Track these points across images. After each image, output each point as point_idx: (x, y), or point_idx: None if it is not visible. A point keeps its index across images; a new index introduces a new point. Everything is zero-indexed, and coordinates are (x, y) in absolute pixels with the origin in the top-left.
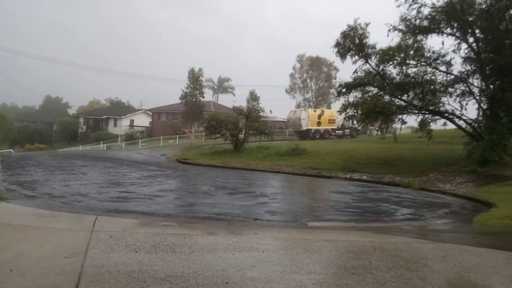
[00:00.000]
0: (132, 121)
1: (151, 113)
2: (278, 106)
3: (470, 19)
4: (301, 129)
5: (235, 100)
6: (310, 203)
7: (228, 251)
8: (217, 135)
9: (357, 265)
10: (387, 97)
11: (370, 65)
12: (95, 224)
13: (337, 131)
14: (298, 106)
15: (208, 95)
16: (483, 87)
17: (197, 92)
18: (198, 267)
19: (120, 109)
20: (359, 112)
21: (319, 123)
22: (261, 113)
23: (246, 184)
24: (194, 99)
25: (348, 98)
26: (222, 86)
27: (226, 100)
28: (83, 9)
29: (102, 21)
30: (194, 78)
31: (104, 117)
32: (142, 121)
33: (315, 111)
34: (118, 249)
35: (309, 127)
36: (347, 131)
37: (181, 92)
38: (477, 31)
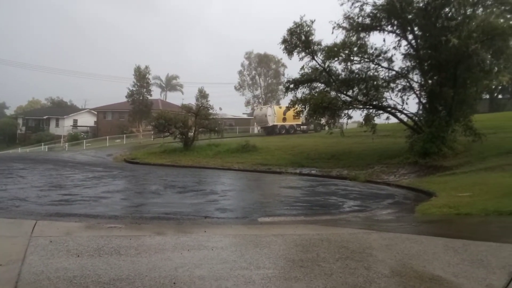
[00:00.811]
0: (75, 121)
1: (96, 113)
2: (228, 104)
3: (409, 17)
4: (268, 125)
5: (184, 98)
6: (260, 199)
7: (176, 250)
8: (166, 134)
9: (305, 258)
10: (333, 93)
11: (316, 61)
12: (34, 229)
13: (301, 126)
14: (248, 103)
15: (156, 93)
16: (422, 82)
17: (144, 90)
18: (145, 268)
19: (62, 108)
20: (307, 107)
21: (284, 119)
22: (211, 111)
23: (196, 182)
24: (141, 97)
25: (296, 94)
26: (170, 84)
27: (175, 98)
28: (21, 4)
29: (39, 18)
30: (141, 76)
31: (45, 117)
32: (87, 120)
33: (280, 107)
34: (58, 255)
35: (275, 123)
36: (311, 126)
37: (128, 91)
38: (415, 28)
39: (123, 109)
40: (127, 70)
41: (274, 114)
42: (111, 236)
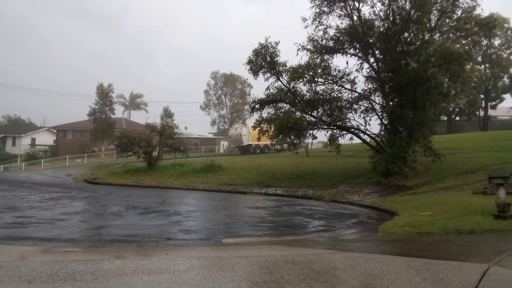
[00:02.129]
0: (33, 139)
1: (55, 131)
2: (194, 123)
3: (371, 40)
4: (242, 145)
5: (149, 116)
6: (225, 220)
7: (135, 274)
8: (129, 153)
9: (269, 280)
10: (298, 113)
11: (282, 82)
12: None
13: (276, 146)
14: (214, 122)
15: (119, 112)
16: (384, 104)
17: (107, 108)
18: None
19: (20, 126)
20: (272, 127)
21: (259, 138)
22: (176, 130)
23: (159, 202)
24: (103, 116)
25: (262, 114)
26: (134, 103)
27: (139, 117)
28: None
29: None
30: (104, 94)
31: (0, 135)
32: (46, 139)
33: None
34: (9, 281)
35: (250, 142)
36: (285, 145)
37: (90, 109)
38: (377, 52)
39: (85, 128)
40: (90, 88)
41: (249, 133)
42: (67, 261)
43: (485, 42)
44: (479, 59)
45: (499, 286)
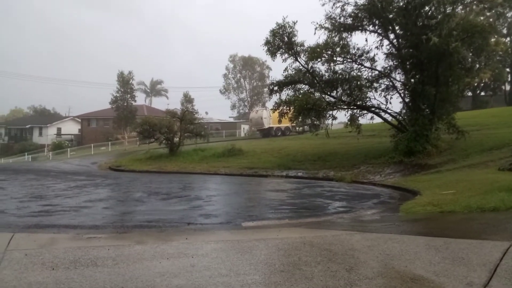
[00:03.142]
0: (59, 129)
1: (80, 120)
2: (214, 108)
3: (390, 16)
4: (264, 128)
5: (169, 103)
6: (245, 203)
7: (155, 259)
8: (151, 140)
9: (287, 262)
10: (317, 94)
11: (299, 62)
12: (10, 243)
13: (297, 128)
14: (234, 106)
15: (140, 99)
16: (405, 81)
17: (128, 96)
18: (121, 279)
19: (45, 117)
20: (292, 109)
21: (280, 121)
22: (196, 115)
23: (181, 188)
24: (125, 104)
25: (280, 96)
26: (155, 89)
27: (160, 103)
28: None
29: (19, 25)
30: (124, 82)
31: (27, 126)
32: (71, 128)
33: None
34: (33, 268)
35: (271, 125)
36: (306, 127)
37: (111, 97)
38: (397, 27)
39: (108, 116)
40: (111, 76)
41: (269, 116)
42: (89, 247)
43: (510, 13)
44: (504, 31)
45: None
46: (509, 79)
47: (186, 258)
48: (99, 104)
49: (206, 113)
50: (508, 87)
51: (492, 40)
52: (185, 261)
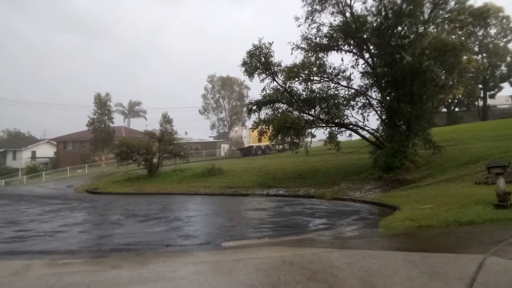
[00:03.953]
0: (34, 152)
1: (55, 143)
2: (193, 128)
3: (365, 36)
4: (244, 147)
5: (148, 123)
6: (226, 223)
7: (131, 284)
8: (129, 161)
9: (266, 282)
10: (296, 113)
11: (277, 82)
12: None
13: (277, 146)
14: (213, 126)
15: (119, 120)
16: (381, 99)
17: (106, 117)
18: None
19: (20, 140)
20: (271, 128)
21: (259, 140)
22: (175, 135)
23: (160, 209)
24: (103, 125)
25: (259, 115)
26: (133, 110)
27: (139, 124)
28: None
29: None
30: (102, 104)
31: (1, 150)
32: (46, 151)
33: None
34: None
35: (251, 144)
36: (286, 145)
37: (88, 119)
38: (371, 47)
39: (85, 138)
40: (88, 98)
41: (249, 135)
42: (63, 273)
43: (481, 32)
44: (476, 49)
45: (495, 277)
46: (481, 95)
47: (163, 282)
48: (76, 127)
49: (186, 133)
50: (481, 103)
51: (464, 58)
52: (162, 285)
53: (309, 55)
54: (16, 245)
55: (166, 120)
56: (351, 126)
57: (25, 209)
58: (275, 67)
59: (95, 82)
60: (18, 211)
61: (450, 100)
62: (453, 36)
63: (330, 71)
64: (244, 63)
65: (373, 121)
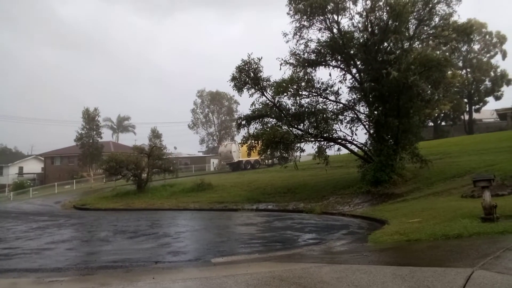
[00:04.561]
0: (21, 168)
1: (43, 158)
2: (183, 142)
3: (351, 52)
4: (233, 161)
5: (137, 138)
6: (215, 239)
7: None
8: (118, 177)
9: None
10: (285, 127)
11: (266, 97)
12: None
13: (266, 161)
14: (202, 140)
15: (107, 135)
16: (369, 114)
17: (94, 132)
18: None
19: (6, 156)
20: (260, 143)
21: (249, 154)
22: (164, 150)
23: (148, 225)
24: (91, 140)
25: (248, 130)
26: (122, 125)
27: (128, 139)
28: None
29: None
30: (90, 119)
31: None
32: (33, 167)
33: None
34: None
35: (240, 159)
36: (275, 160)
37: (76, 134)
38: (358, 62)
39: (73, 154)
40: (76, 113)
41: (238, 150)
42: None
43: (464, 47)
44: (460, 64)
45: None
46: (467, 109)
47: None
48: (64, 142)
49: (175, 148)
50: (467, 117)
51: (449, 73)
52: None
53: (298, 70)
54: (2, 263)
55: (155, 135)
56: (339, 140)
57: (12, 226)
58: (264, 82)
59: (83, 97)
60: (4, 228)
61: (436, 114)
62: (438, 52)
63: (318, 86)
64: (234, 78)
65: (361, 135)
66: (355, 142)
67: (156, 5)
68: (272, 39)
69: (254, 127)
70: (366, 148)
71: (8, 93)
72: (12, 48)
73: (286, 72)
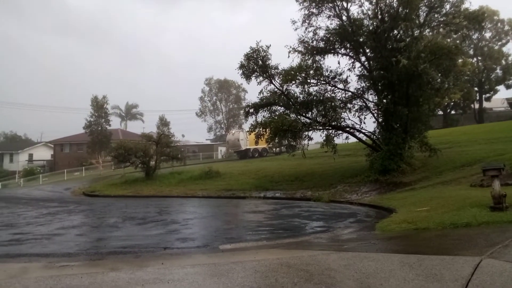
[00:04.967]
0: (31, 155)
1: (52, 146)
2: (191, 130)
3: (361, 39)
4: (241, 149)
5: (145, 126)
6: (223, 226)
7: (130, 286)
8: (126, 164)
9: (263, 284)
10: (293, 115)
11: (274, 85)
12: None
13: (274, 149)
14: (210, 128)
15: (116, 123)
16: (378, 102)
17: (103, 120)
18: None
19: (16, 143)
20: (268, 131)
21: (256, 142)
22: (172, 138)
23: (157, 212)
24: (99, 128)
25: (256, 118)
26: (130, 113)
27: (136, 127)
28: None
29: None
30: (98, 106)
31: None
32: (43, 154)
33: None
34: None
35: (248, 147)
36: (283, 148)
37: (85, 122)
38: (367, 50)
39: (82, 141)
40: (85, 101)
41: (246, 138)
42: (62, 276)
43: (476, 35)
44: (471, 52)
45: (490, 278)
46: (477, 98)
47: (162, 284)
48: (73, 129)
49: (183, 136)
50: (477, 106)
51: (460, 61)
52: (161, 287)
53: (306, 58)
54: (13, 248)
55: (163, 122)
56: (348, 129)
57: (22, 212)
58: (272, 70)
59: (92, 85)
60: (15, 214)
61: (446, 103)
62: (448, 40)
63: (327, 74)
64: (242, 66)
65: (369, 123)
66: (363, 131)
67: None
68: (280, 27)
69: (262, 115)
70: (374, 136)
71: (18, 81)
72: (21, 37)
73: (295, 60)
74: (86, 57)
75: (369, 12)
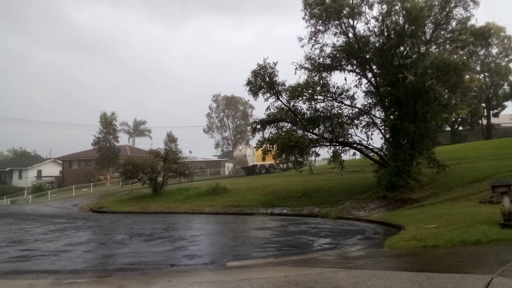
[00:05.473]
0: (39, 171)
1: (61, 162)
2: (198, 146)
3: (367, 56)
4: (248, 165)
5: (153, 142)
6: (230, 242)
7: None
8: (134, 180)
9: None
10: (300, 132)
11: (281, 101)
12: None
13: (281, 165)
14: (217, 145)
15: (124, 139)
16: (385, 118)
17: (111, 136)
18: None
19: (25, 159)
20: (275, 147)
21: (263, 159)
22: (180, 154)
23: (164, 228)
24: (108, 144)
25: (263, 134)
26: (138, 129)
27: (143, 143)
28: None
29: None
30: (107, 123)
31: (7, 169)
32: (52, 170)
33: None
34: None
35: (255, 163)
36: (290, 164)
37: (94, 138)
38: (374, 67)
39: (90, 157)
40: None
41: (253, 154)
42: None
43: (482, 51)
44: (478, 68)
45: None
46: (485, 114)
47: None
48: (81, 146)
49: (190, 152)
50: (485, 122)
51: (466, 77)
52: None
53: (313, 74)
54: (21, 265)
55: (171, 139)
56: (355, 145)
57: (30, 228)
58: (279, 87)
59: (100, 102)
60: (23, 230)
61: (454, 119)
62: (455, 56)
63: (333, 90)
64: (249, 83)
65: (377, 140)
66: (370, 147)
67: (167, 13)
68: (285, 45)
69: (269, 131)
70: (382, 152)
71: (27, 97)
72: (28, 53)
73: (301, 77)
74: (94, 74)
75: (375, 29)
